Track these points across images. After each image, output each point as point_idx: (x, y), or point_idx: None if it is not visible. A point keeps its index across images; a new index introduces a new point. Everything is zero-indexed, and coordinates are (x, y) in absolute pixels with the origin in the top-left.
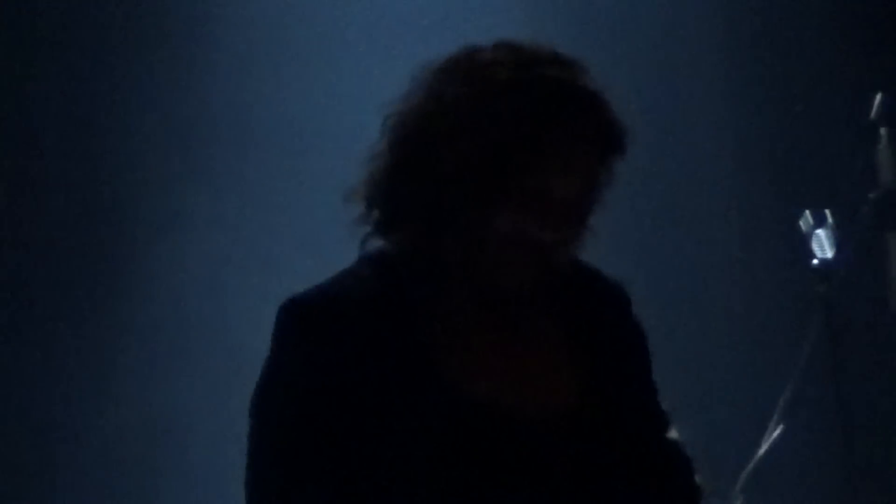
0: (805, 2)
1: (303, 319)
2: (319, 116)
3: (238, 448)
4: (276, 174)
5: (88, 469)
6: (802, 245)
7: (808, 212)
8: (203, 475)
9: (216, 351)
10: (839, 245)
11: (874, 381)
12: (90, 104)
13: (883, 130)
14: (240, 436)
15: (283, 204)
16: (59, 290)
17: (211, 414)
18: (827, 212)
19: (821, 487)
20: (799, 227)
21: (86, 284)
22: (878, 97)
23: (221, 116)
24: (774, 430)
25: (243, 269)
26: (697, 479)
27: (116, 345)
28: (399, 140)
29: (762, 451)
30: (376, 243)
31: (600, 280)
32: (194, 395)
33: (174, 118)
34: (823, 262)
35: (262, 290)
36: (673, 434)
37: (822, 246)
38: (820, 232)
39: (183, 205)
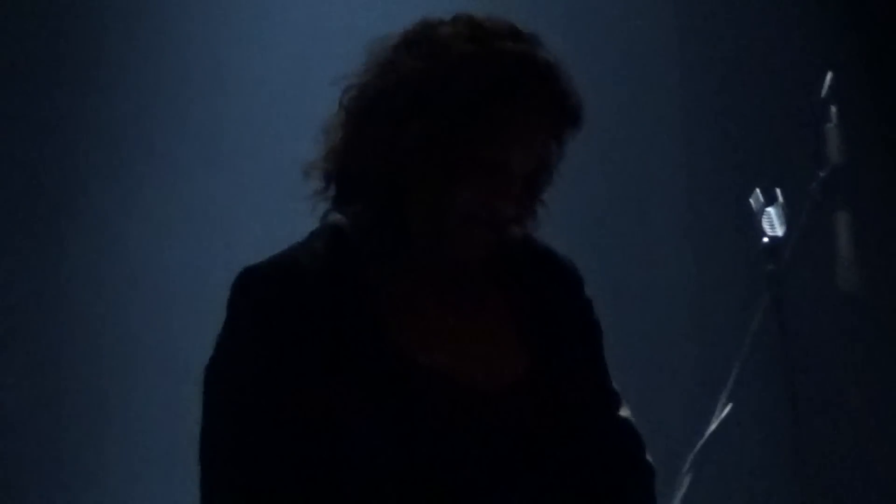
0: None
1: (257, 289)
2: (276, 86)
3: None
4: (233, 146)
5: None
6: (752, 223)
7: (758, 190)
8: (154, 444)
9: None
10: (789, 223)
11: (822, 359)
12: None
13: (833, 109)
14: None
15: (237, 177)
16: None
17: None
18: (777, 190)
19: (769, 465)
20: (749, 204)
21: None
22: (829, 75)
23: (177, 69)
24: (723, 408)
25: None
26: (648, 457)
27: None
28: (357, 113)
29: (710, 429)
30: (333, 217)
31: (553, 258)
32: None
33: (138, 68)
34: (773, 239)
35: (213, 264)
36: (624, 412)
37: (773, 224)
38: (770, 210)
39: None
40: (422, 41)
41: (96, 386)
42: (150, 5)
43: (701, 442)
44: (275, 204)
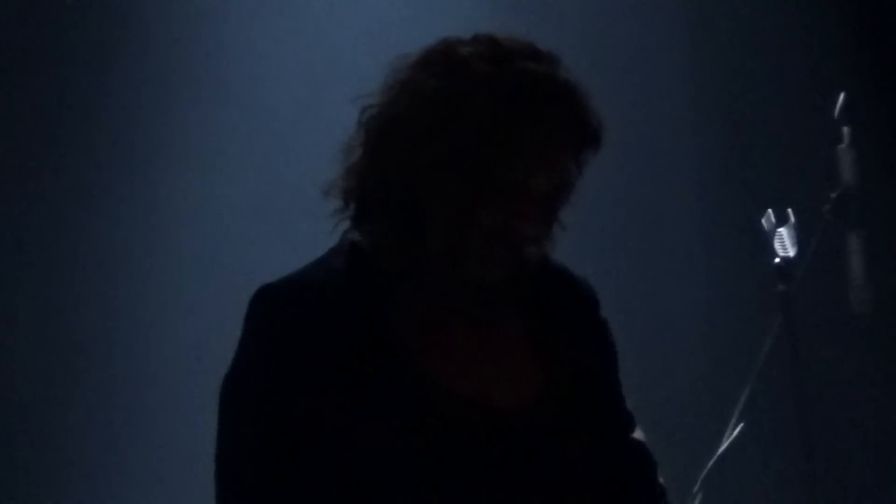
0: (769, 1)
1: (274, 307)
2: (295, 105)
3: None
4: (254, 167)
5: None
6: (764, 243)
7: (770, 210)
8: (171, 455)
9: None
10: (800, 244)
11: (834, 379)
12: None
13: (846, 129)
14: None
15: (259, 197)
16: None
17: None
18: (789, 210)
19: (780, 485)
20: (761, 225)
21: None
22: (842, 96)
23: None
24: (734, 428)
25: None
26: (660, 479)
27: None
28: (377, 133)
29: (722, 448)
30: (353, 236)
31: (569, 278)
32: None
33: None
34: (785, 260)
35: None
36: (638, 434)
37: (784, 244)
38: (782, 230)
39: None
40: (442, 61)
41: (112, 397)
42: (166, 11)
43: (712, 461)
44: (294, 219)
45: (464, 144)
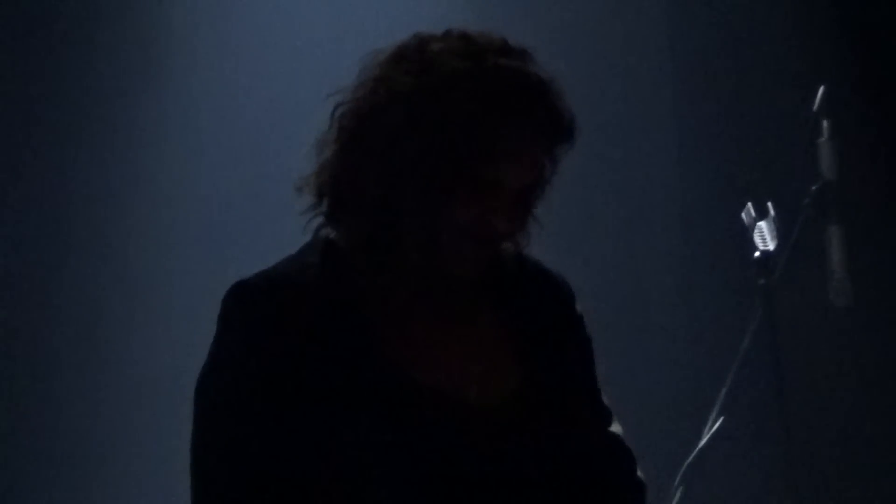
0: None
1: (248, 303)
2: (274, 100)
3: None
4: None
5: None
6: (744, 237)
7: (750, 204)
8: (149, 452)
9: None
10: (780, 237)
11: (814, 373)
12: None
13: (825, 123)
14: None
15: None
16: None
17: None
18: (769, 204)
19: (760, 479)
20: (741, 218)
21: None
22: (821, 89)
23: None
24: (714, 421)
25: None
26: (639, 473)
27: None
28: (350, 129)
29: (702, 442)
30: (326, 232)
31: (545, 273)
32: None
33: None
34: (765, 254)
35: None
36: (616, 428)
37: (764, 238)
38: (762, 224)
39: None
40: (414, 56)
41: (91, 393)
42: (147, 4)
43: (692, 455)
44: (269, 215)
45: (437, 141)
